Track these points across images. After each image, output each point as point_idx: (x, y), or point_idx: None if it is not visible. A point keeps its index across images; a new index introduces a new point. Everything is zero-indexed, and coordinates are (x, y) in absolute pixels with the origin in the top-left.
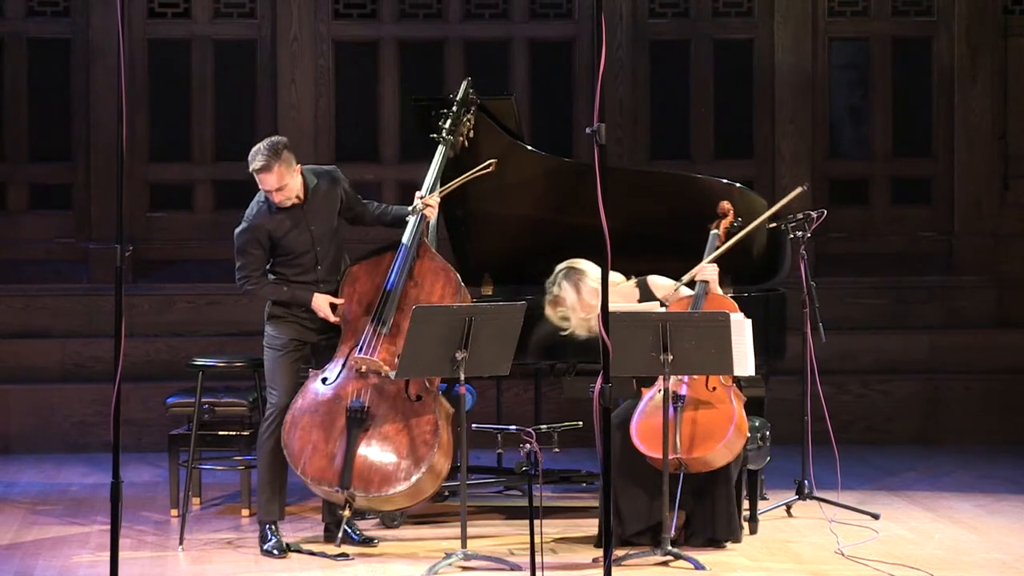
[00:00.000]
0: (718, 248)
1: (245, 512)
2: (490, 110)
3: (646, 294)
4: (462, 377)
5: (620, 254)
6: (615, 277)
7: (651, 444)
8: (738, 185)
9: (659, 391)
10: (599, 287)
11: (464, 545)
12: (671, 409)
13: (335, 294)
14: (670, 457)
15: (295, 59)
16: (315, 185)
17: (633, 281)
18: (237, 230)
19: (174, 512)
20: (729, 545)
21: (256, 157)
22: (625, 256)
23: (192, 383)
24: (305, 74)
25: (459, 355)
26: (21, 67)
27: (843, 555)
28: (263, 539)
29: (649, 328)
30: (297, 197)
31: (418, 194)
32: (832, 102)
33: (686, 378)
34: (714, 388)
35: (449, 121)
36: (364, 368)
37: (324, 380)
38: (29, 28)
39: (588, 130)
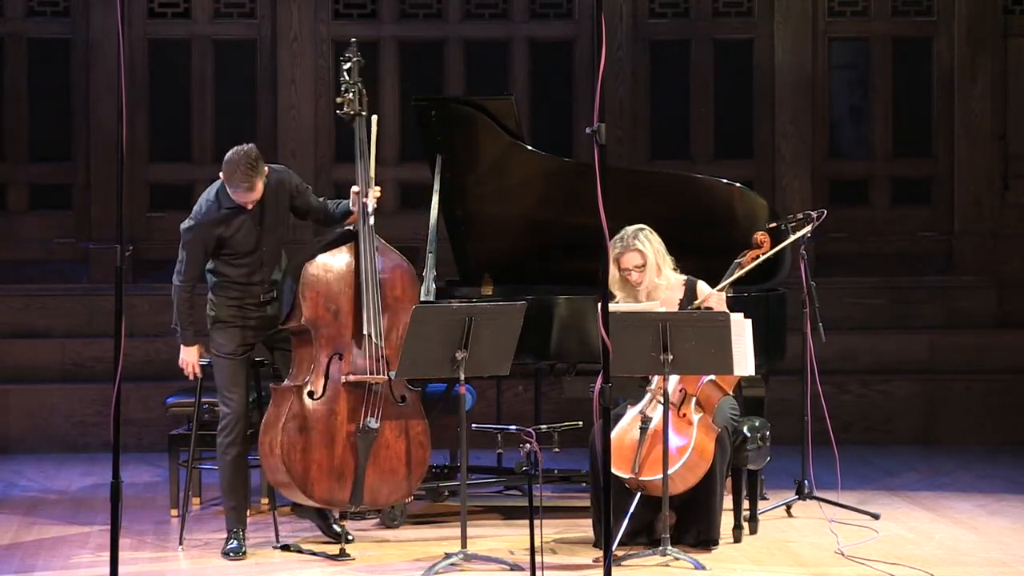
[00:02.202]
0: (734, 276)
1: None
2: (490, 110)
3: (690, 295)
4: (462, 377)
5: None
6: (670, 261)
7: (617, 463)
8: (738, 185)
9: (638, 411)
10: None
11: (464, 545)
12: (637, 430)
13: (273, 298)
14: (629, 477)
15: (295, 59)
16: (268, 181)
17: (684, 277)
18: (184, 225)
19: (174, 512)
20: (728, 544)
21: (237, 175)
22: None
23: (192, 383)
24: (305, 74)
25: (459, 355)
26: (21, 67)
27: (843, 555)
28: (227, 539)
29: (649, 328)
30: None
31: (354, 189)
32: (832, 102)
33: (660, 405)
34: (684, 414)
35: (357, 93)
36: (372, 383)
37: (311, 395)
38: (29, 28)
39: (588, 130)
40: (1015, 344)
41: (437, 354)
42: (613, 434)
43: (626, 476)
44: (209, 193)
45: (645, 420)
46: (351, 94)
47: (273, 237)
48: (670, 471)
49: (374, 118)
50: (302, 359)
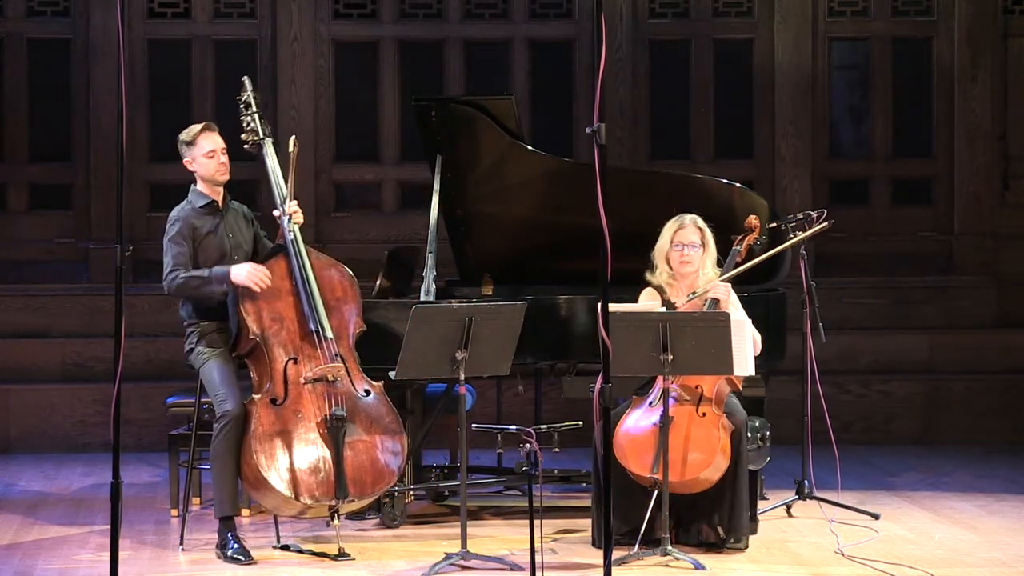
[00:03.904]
0: (737, 266)
1: (245, 512)
2: (490, 110)
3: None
4: (462, 377)
5: (620, 254)
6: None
7: (634, 461)
8: (738, 185)
9: (649, 404)
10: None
11: (464, 545)
12: (654, 428)
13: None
14: (648, 475)
15: (295, 59)
16: (231, 202)
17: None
18: (167, 231)
19: (174, 512)
20: (727, 545)
21: (194, 128)
22: (625, 256)
23: (192, 383)
24: (305, 74)
25: (459, 355)
26: (21, 67)
27: (843, 555)
28: (226, 544)
29: (649, 328)
30: (222, 197)
31: (276, 212)
32: (832, 102)
33: (673, 401)
34: (704, 414)
35: (257, 121)
36: (331, 376)
37: (274, 401)
38: (29, 28)
39: (588, 130)
40: (1015, 344)
41: (437, 354)
42: (622, 432)
43: (645, 475)
44: (183, 203)
45: (665, 419)
46: (251, 125)
47: (241, 252)
48: (701, 474)
49: (292, 138)
50: (261, 373)
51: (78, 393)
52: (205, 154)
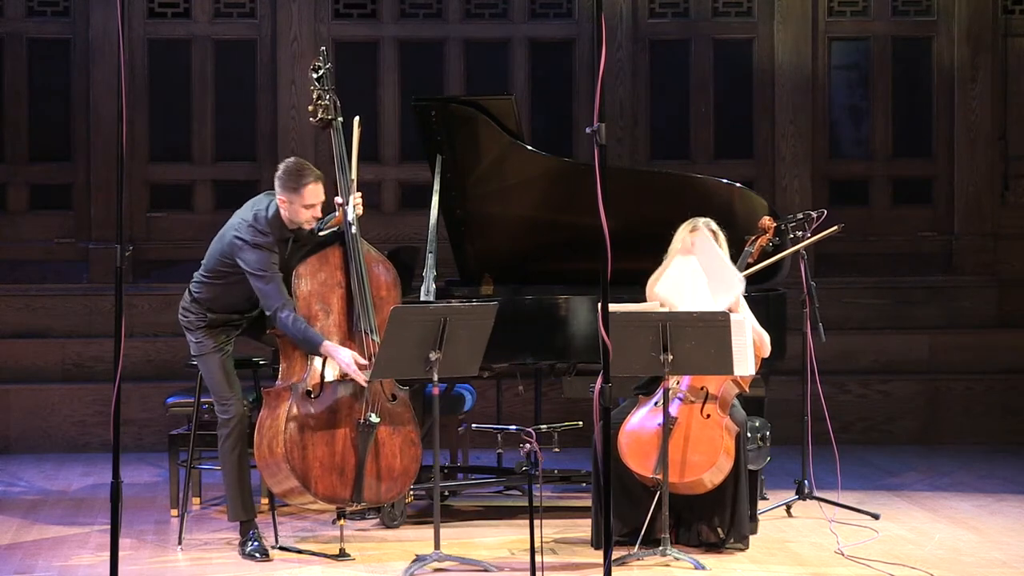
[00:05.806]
0: (749, 267)
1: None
2: (490, 110)
3: None
4: (435, 378)
5: (620, 254)
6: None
7: (637, 460)
8: (738, 186)
9: (654, 404)
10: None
11: (437, 547)
12: (658, 427)
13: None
14: (651, 476)
15: (295, 59)
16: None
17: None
18: (253, 256)
19: (174, 512)
20: (728, 544)
21: (307, 169)
22: (625, 256)
23: (192, 383)
24: (305, 74)
25: (432, 356)
26: (21, 67)
27: (843, 555)
28: (245, 542)
29: (649, 328)
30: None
31: (338, 200)
32: (832, 102)
33: (679, 402)
34: (708, 415)
35: (328, 98)
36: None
37: (308, 393)
38: (29, 28)
39: (588, 130)
40: (1015, 344)
41: (412, 355)
42: (627, 431)
43: (648, 476)
44: (258, 222)
45: (669, 420)
46: (324, 101)
47: (283, 272)
48: (704, 475)
49: (356, 119)
50: (294, 359)
51: (78, 393)
52: (306, 205)
